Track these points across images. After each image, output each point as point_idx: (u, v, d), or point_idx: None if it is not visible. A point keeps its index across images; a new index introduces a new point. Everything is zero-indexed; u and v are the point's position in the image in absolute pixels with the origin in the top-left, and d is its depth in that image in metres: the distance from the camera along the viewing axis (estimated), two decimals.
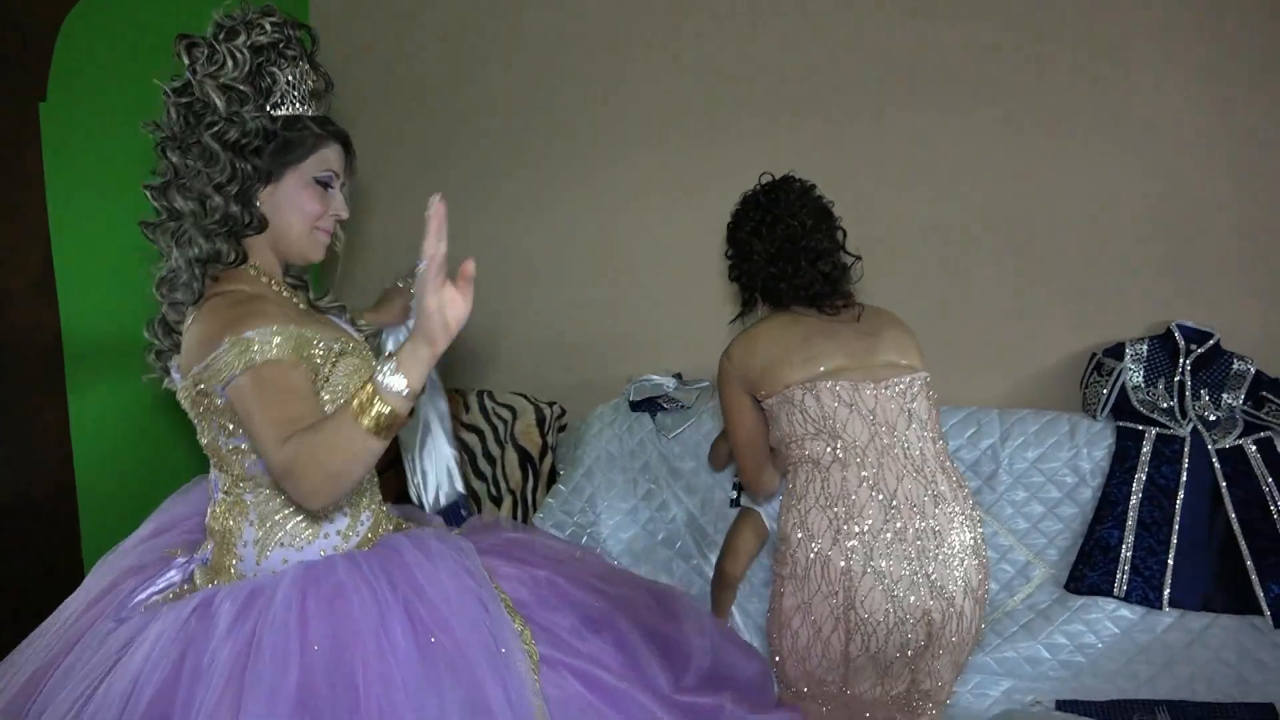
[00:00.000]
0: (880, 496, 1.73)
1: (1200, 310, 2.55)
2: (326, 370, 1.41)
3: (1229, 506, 2.36)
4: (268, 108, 1.41)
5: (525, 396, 2.93)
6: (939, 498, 1.76)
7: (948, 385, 2.48)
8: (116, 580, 1.50)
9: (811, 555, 1.73)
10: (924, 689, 1.80)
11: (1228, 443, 2.41)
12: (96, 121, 2.33)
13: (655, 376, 2.87)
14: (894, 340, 1.88)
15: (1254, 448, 2.39)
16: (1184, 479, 2.42)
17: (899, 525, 1.71)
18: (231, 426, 1.38)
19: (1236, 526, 2.35)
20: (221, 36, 1.39)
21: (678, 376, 2.89)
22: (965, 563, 1.75)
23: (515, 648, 1.33)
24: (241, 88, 1.38)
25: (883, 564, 1.70)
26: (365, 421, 1.16)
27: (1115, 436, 2.48)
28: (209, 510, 1.49)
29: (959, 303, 2.73)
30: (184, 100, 1.40)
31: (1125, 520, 2.43)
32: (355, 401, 1.17)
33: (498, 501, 2.81)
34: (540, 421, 2.89)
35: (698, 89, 2.88)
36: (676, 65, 2.90)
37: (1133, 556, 2.40)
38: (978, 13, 2.62)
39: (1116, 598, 2.39)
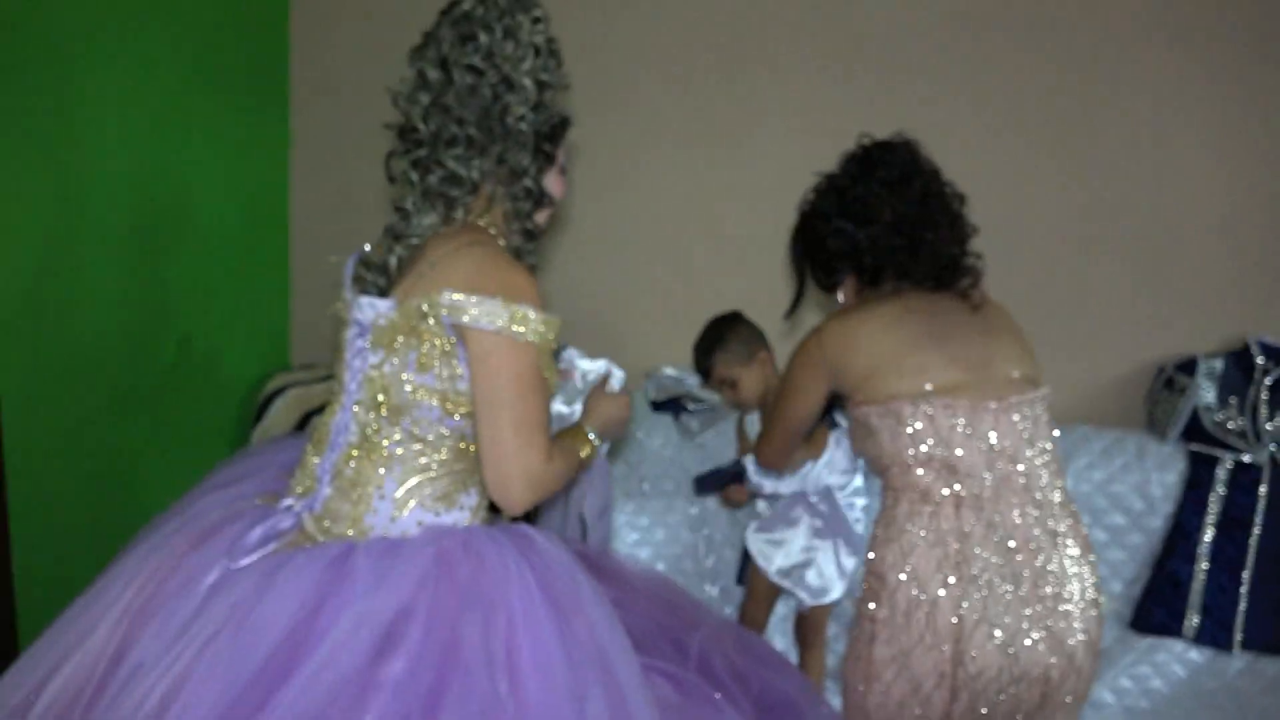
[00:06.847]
0: (997, 536, 1.47)
1: None
2: None
3: None
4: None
5: None
6: (1056, 536, 1.51)
7: None
8: (208, 531, 1.36)
9: (915, 600, 1.47)
10: None
11: None
12: None
13: (673, 370, 2.58)
14: (1014, 347, 1.61)
15: None
16: (1260, 510, 2.21)
17: (1017, 569, 1.47)
18: (454, 370, 1.31)
19: None
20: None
21: None
22: (1087, 613, 1.51)
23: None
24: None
25: (999, 614, 1.44)
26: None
27: (1188, 461, 2.26)
28: (332, 455, 1.38)
29: (1016, 304, 2.47)
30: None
31: (1195, 554, 2.21)
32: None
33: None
34: None
35: (740, 32, 2.60)
36: (722, 13, 2.60)
37: (1204, 594, 2.19)
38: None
39: (1185, 639, 2.19)
